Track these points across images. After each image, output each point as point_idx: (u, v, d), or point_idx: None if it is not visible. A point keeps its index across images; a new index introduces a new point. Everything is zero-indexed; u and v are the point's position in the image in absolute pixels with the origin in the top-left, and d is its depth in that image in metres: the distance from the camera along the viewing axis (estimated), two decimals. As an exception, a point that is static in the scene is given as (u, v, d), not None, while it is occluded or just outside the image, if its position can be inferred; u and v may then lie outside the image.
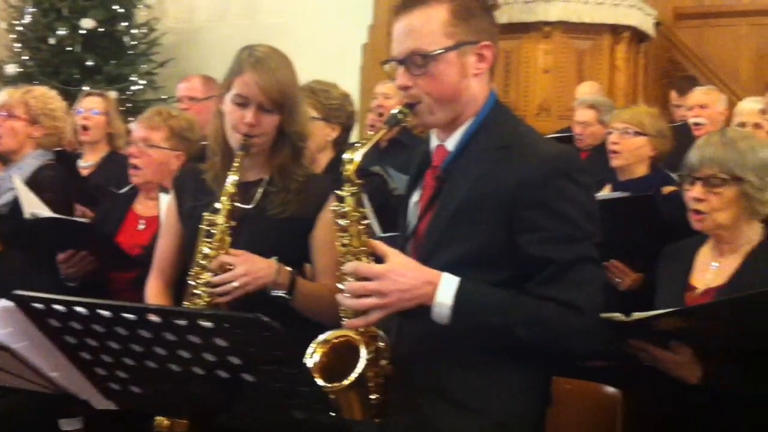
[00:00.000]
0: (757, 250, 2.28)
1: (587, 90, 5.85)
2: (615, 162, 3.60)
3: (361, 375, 1.79)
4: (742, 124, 4.09)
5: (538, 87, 6.68)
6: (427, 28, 1.84)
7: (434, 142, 1.98)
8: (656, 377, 2.11)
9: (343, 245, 1.87)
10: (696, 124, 4.72)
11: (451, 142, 1.92)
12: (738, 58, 7.72)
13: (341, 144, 3.17)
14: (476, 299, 1.77)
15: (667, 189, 3.38)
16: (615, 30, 6.77)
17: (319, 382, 1.75)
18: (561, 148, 1.91)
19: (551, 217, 1.78)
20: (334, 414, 1.52)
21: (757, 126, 3.38)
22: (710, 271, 2.33)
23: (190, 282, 2.19)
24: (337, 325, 1.88)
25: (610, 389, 2.35)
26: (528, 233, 1.78)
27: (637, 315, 1.97)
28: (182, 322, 1.47)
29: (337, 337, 1.86)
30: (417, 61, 1.85)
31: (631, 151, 3.56)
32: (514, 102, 6.33)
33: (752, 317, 1.95)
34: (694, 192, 2.31)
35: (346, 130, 3.26)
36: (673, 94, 6.02)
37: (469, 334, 1.79)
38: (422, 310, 1.78)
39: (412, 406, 1.86)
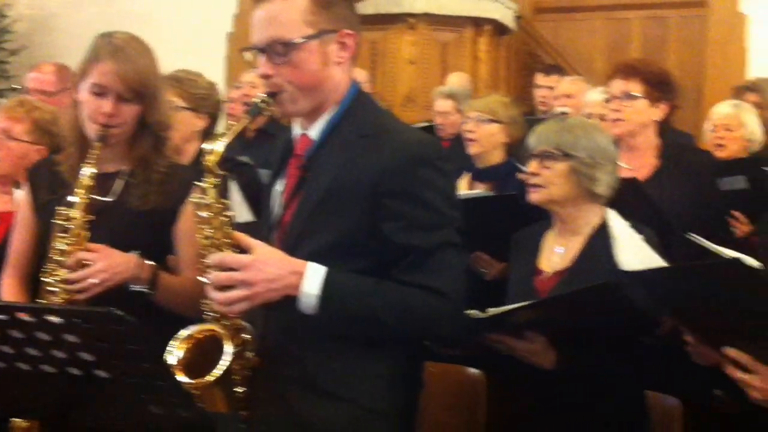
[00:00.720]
0: (597, 233, 2.34)
1: (456, 81, 5.96)
2: (472, 149, 3.71)
3: (227, 370, 1.76)
4: (589, 115, 4.27)
5: (404, 78, 6.75)
6: (288, 16, 1.82)
7: (297, 130, 1.96)
8: (516, 360, 2.18)
9: (206, 237, 1.83)
10: (562, 113, 4.89)
11: (314, 131, 1.91)
12: (592, 51, 8.07)
13: (209, 134, 3.11)
14: (343, 288, 1.77)
15: (522, 176, 3.49)
16: (477, 23, 6.92)
17: (183, 378, 1.71)
18: (423, 137, 1.94)
19: (414, 205, 1.80)
20: (196, 408, 1.49)
21: (601, 117, 3.54)
22: (555, 254, 2.39)
23: (44, 279, 2.10)
24: (202, 319, 1.85)
25: (474, 371, 2.41)
26: (391, 221, 1.79)
27: (491, 311, 2.04)
28: (29, 319, 1.41)
29: (201, 332, 1.83)
30: (278, 50, 1.82)
31: (486, 137, 3.68)
32: (380, 92, 6.37)
33: (588, 307, 2.06)
34: (530, 168, 2.41)
35: (214, 120, 3.20)
36: (539, 75, 6.24)
37: (336, 323, 1.79)
38: (288, 300, 1.76)
39: (279, 398, 1.85)
